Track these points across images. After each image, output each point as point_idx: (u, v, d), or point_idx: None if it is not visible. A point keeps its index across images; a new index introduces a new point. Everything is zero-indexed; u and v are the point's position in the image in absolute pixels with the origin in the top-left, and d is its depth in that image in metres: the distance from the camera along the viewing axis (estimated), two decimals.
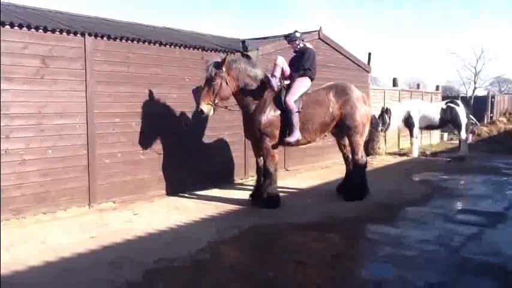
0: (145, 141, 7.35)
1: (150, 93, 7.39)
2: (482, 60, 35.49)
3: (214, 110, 6.71)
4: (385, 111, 12.66)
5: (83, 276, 4.24)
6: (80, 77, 6.56)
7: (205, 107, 6.57)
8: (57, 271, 4.38)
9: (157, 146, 7.55)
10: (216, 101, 6.63)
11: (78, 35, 6.51)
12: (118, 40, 6.96)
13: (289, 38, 7.30)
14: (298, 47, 7.25)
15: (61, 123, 6.40)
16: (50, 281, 4.15)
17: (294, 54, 7.36)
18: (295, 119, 6.80)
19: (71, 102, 6.49)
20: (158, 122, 7.51)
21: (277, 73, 6.83)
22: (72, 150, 6.53)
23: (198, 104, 6.69)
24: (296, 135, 6.84)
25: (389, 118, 12.61)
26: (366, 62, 12.79)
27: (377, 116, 12.48)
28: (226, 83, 6.61)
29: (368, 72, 12.75)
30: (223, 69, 6.54)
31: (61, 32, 6.33)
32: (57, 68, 6.32)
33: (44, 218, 6.18)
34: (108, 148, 6.93)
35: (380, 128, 12.53)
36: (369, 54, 13.14)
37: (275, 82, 6.77)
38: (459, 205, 7.29)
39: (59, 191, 6.43)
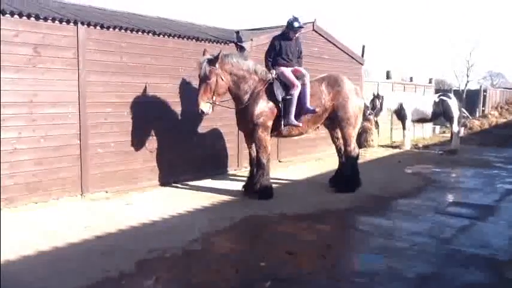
0: (138, 132, 7.32)
1: (143, 84, 7.35)
2: (475, 53, 35.63)
3: (213, 108, 6.69)
4: (377, 97, 12.61)
5: (76, 266, 4.24)
6: (72, 66, 6.50)
7: (205, 107, 6.54)
8: (50, 260, 4.38)
9: (150, 137, 7.52)
10: (214, 98, 6.62)
11: (71, 23, 6.45)
12: (111, 29, 6.91)
13: (301, 27, 7.17)
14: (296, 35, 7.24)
15: (53, 113, 6.36)
16: (43, 270, 4.15)
17: (283, 38, 7.15)
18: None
19: (63, 91, 6.44)
20: (151, 113, 7.48)
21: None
22: (65, 140, 6.50)
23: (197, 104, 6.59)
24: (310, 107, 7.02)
25: (381, 104, 12.57)
26: (360, 55, 12.78)
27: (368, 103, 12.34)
28: (222, 79, 6.60)
29: (362, 64, 12.74)
30: (217, 65, 6.51)
31: (53, 20, 6.26)
32: (49, 56, 6.26)
33: (36, 207, 6.16)
34: (100, 138, 6.90)
35: (369, 112, 12.32)
36: (363, 46, 13.13)
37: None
38: (450, 198, 7.35)
39: (51, 181, 6.40)
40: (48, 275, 4.04)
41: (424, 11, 70.13)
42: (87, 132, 6.72)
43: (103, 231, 5.21)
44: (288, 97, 6.91)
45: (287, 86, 6.99)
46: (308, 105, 7.00)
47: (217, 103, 6.73)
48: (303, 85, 7.00)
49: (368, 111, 12.06)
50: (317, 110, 7.12)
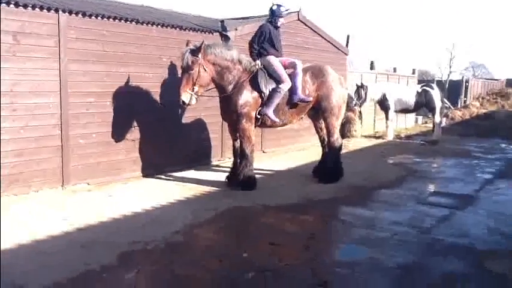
0: (120, 122, 7.24)
1: (126, 73, 7.26)
2: (458, 45, 36.00)
3: (196, 99, 6.62)
4: (361, 87, 12.64)
5: (57, 258, 4.20)
6: (53, 55, 6.38)
7: (186, 97, 6.46)
8: (31, 253, 4.34)
9: (133, 128, 7.45)
10: (196, 89, 6.52)
11: (52, 11, 6.31)
12: (93, 17, 6.78)
13: (287, 10, 7.26)
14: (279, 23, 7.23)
15: (34, 102, 6.25)
16: (24, 263, 4.11)
17: (271, 26, 7.12)
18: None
19: (44, 80, 6.33)
20: (134, 102, 7.41)
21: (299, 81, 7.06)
22: (45, 130, 6.40)
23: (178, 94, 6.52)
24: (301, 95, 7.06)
25: (366, 94, 12.61)
26: (344, 45, 12.80)
27: (352, 93, 12.37)
28: (204, 69, 6.53)
29: (346, 54, 12.77)
30: (200, 55, 6.45)
31: (33, 7, 6.12)
32: (30, 45, 6.14)
33: (16, 199, 6.07)
34: (82, 128, 6.81)
35: (354, 103, 12.39)
36: (348, 36, 13.15)
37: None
38: (431, 187, 7.46)
39: (32, 172, 6.31)
40: (29, 268, 3.99)
41: (408, 2, 70.40)
42: (69, 122, 6.62)
43: (84, 224, 5.17)
44: (276, 90, 6.87)
45: (274, 78, 6.96)
46: (300, 94, 7.01)
47: (199, 94, 6.66)
48: (294, 74, 6.99)
49: (354, 101, 12.17)
50: (310, 98, 7.14)
